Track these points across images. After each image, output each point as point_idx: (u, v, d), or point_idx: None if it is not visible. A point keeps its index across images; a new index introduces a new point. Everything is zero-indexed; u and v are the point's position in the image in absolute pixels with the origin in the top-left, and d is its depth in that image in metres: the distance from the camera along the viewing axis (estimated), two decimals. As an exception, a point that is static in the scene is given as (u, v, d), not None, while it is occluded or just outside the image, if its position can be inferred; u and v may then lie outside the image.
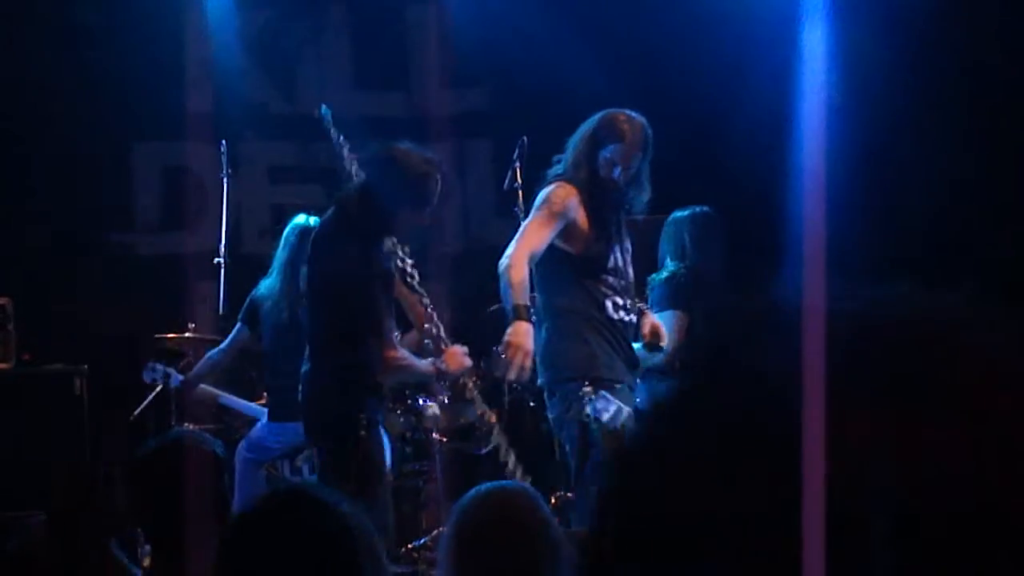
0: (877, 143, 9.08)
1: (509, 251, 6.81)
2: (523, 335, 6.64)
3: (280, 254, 8.34)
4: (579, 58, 9.96)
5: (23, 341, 9.10)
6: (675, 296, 7.96)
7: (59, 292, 9.95)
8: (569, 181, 6.92)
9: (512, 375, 6.74)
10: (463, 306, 9.32)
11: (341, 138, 7.91)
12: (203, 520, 3.88)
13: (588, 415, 6.51)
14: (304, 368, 6.78)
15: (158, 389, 8.70)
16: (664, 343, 7.09)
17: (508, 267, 6.76)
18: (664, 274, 8.10)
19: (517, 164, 8.20)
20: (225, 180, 9.11)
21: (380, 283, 6.59)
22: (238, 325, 8.38)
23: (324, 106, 8.11)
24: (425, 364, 6.80)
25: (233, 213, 9.32)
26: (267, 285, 8.33)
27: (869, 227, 8.76)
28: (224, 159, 9.11)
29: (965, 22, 9.28)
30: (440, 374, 6.91)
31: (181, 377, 8.62)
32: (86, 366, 9.01)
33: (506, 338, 6.66)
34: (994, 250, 9.01)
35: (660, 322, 7.16)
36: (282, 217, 9.18)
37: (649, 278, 7.96)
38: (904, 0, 8.88)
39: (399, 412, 8.37)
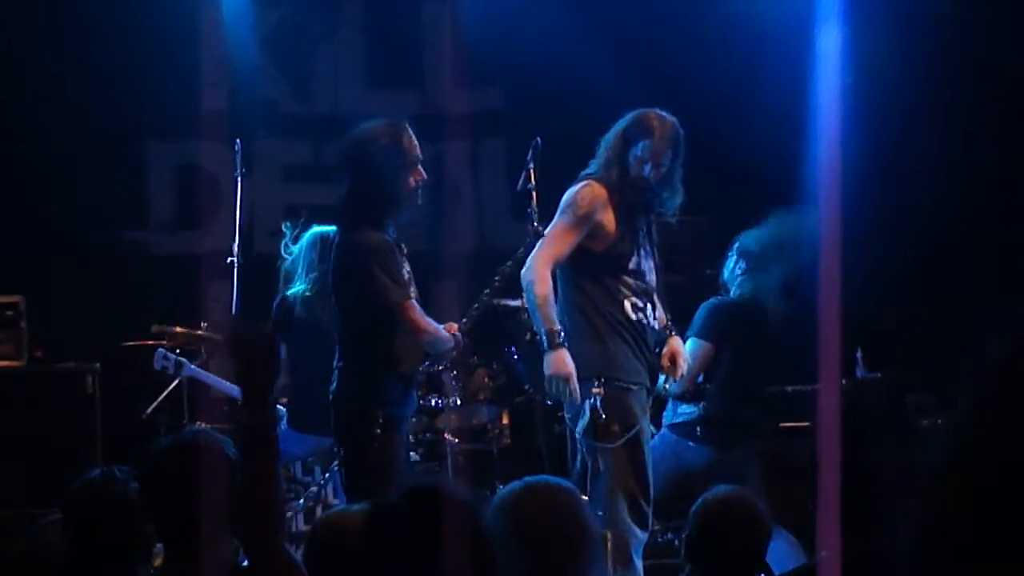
0: (891, 143, 9.07)
1: (533, 260, 6.81)
2: (560, 364, 6.66)
3: (303, 261, 8.38)
4: (594, 58, 9.95)
5: (35, 339, 9.11)
6: (707, 327, 7.95)
7: (71, 290, 9.95)
8: (600, 180, 6.92)
9: (566, 403, 6.75)
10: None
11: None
12: (216, 520, 3.87)
13: (591, 412, 6.53)
14: (336, 365, 6.81)
15: (171, 387, 8.69)
16: (679, 373, 7.06)
17: (533, 281, 6.77)
18: (716, 300, 8.11)
19: (531, 165, 8.15)
20: (239, 179, 9.09)
21: (385, 253, 6.59)
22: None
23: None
24: (443, 331, 6.81)
25: (247, 212, 9.30)
26: (295, 290, 8.35)
27: (884, 226, 8.75)
28: (238, 158, 9.08)
29: (978, 21, 9.26)
30: (456, 341, 6.91)
31: (193, 366, 8.61)
32: (98, 364, 9.01)
33: (547, 372, 6.69)
34: (1010, 250, 8.99)
35: (681, 349, 7.10)
36: (296, 217, 9.17)
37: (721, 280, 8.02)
38: (915, 4, 8.86)
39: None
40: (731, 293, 8.29)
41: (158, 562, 4.39)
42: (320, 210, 9.11)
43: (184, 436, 4.40)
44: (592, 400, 6.62)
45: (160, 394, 8.73)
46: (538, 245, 6.84)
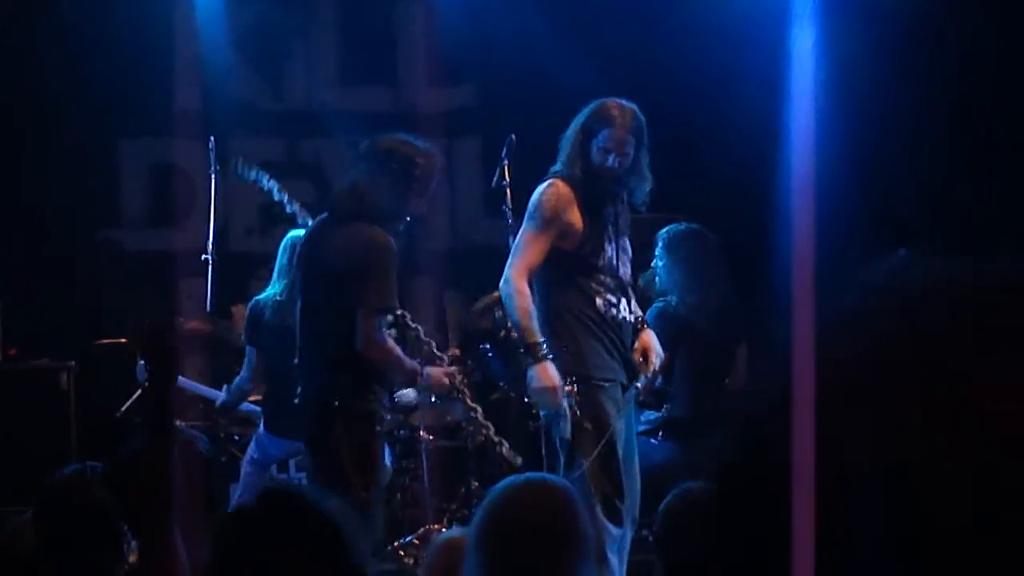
0: (867, 146, 9.09)
1: (509, 271, 6.79)
2: (546, 377, 6.63)
3: (278, 263, 8.39)
4: (567, 56, 9.96)
5: (9, 337, 9.09)
6: (661, 336, 7.93)
7: (46, 288, 9.94)
8: (564, 178, 6.85)
9: (553, 412, 6.75)
10: (450, 302, 9.33)
11: (267, 178, 8.37)
12: (190, 517, 3.87)
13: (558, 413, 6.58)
14: (298, 364, 6.80)
15: (145, 385, 8.68)
16: (650, 368, 7.03)
17: (511, 295, 6.75)
18: (660, 304, 8.08)
19: (505, 162, 8.17)
20: (213, 177, 9.09)
21: (396, 258, 6.61)
22: (248, 349, 8.38)
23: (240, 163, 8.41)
24: (410, 363, 6.80)
25: (221, 210, 9.29)
26: (266, 295, 8.35)
27: (859, 228, 8.77)
28: (212, 156, 9.08)
29: (956, 18, 9.29)
30: (420, 381, 6.92)
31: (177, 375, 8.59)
32: (73, 362, 9.00)
33: (533, 385, 6.67)
34: (985, 253, 9.00)
35: (653, 343, 7.08)
36: (270, 214, 9.17)
37: (641, 278, 7.95)
38: (892, 2, 8.88)
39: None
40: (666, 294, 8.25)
41: (133, 558, 4.39)
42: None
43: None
44: (568, 399, 6.63)
45: (135, 392, 8.73)
46: (511, 257, 6.82)
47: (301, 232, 8.37)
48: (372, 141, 6.98)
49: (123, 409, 8.71)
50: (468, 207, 11.02)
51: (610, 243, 6.90)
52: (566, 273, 6.84)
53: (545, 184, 6.89)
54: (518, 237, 6.87)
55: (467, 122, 10.93)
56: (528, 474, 3.92)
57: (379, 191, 6.69)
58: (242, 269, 8.78)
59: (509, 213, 7.91)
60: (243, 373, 8.44)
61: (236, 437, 8.85)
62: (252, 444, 8.38)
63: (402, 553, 7.93)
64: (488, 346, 8.50)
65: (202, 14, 10.42)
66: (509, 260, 6.82)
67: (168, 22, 10.27)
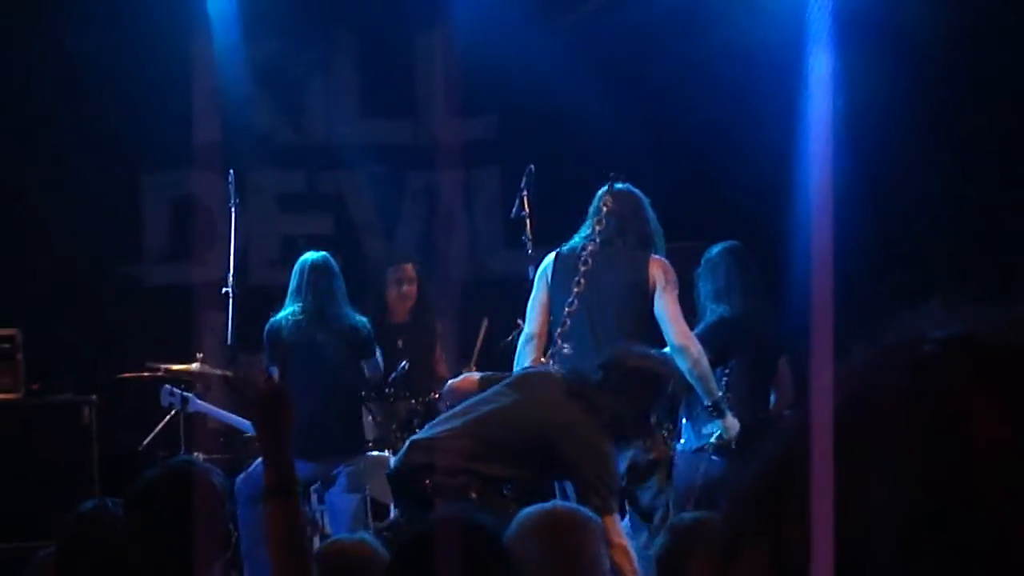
0: (884, 168, 9.08)
1: (689, 333, 7.23)
2: (735, 423, 7.39)
3: (292, 284, 8.41)
4: (586, 86, 9.98)
5: (32, 371, 9.11)
6: (701, 339, 7.91)
7: (68, 323, 9.96)
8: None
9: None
10: (471, 332, 9.32)
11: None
12: (206, 550, 3.87)
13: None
14: None
15: (168, 418, 8.68)
16: None
17: (702, 353, 7.19)
18: (712, 318, 8.06)
19: (524, 192, 8.19)
20: (233, 210, 9.11)
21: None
22: (270, 370, 8.36)
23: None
24: None
25: (241, 243, 9.32)
26: (283, 315, 8.35)
27: (876, 250, 8.76)
28: (232, 188, 9.11)
29: (971, 44, 9.29)
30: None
31: (199, 401, 8.59)
32: (94, 396, 9.01)
33: (732, 434, 7.40)
34: (1003, 271, 8.99)
35: None
36: (291, 247, 9.20)
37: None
38: (907, 25, 8.88)
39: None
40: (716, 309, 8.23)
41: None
42: (314, 239, 9.16)
43: (174, 465, 4.40)
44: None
45: (157, 425, 8.74)
46: (673, 319, 7.13)
47: (314, 255, 8.41)
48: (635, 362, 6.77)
49: (145, 443, 8.72)
50: (487, 237, 11.03)
51: None
52: None
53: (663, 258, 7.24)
54: (670, 304, 7.13)
55: (486, 153, 10.95)
56: (555, 502, 3.93)
57: (623, 411, 6.62)
58: (263, 302, 8.78)
59: (529, 243, 7.92)
60: None
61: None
62: (244, 481, 8.29)
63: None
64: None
65: (221, 47, 10.46)
66: (674, 327, 7.11)
67: (187, 56, 10.31)
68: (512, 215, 8.36)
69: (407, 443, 6.62)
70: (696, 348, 7.10)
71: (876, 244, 8.82)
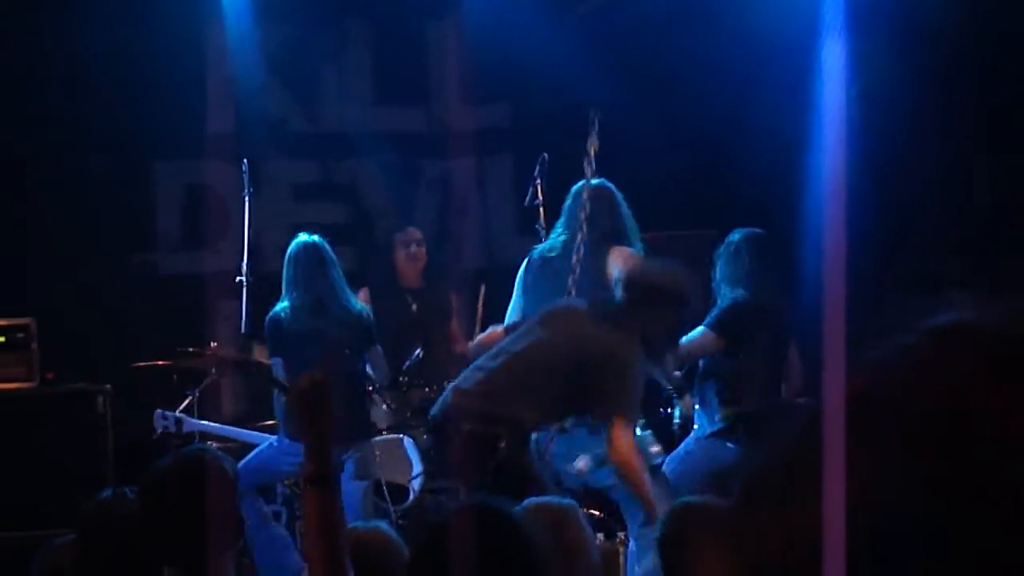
0: (896, 156, 9.07)
1: None
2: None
3: (286, 274, 8.40)
4: (599, 74, 9.97)
5: (46, 360, 9.13)
6: (718, 319, 7.89)
7: (82, 312, 9.97)
8: None
9: None
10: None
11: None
12: (219, 537, 3.88)
13: None
14: None
15: (183, 407, 8.70)
16: None
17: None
18: (725, 302, 8.06)
19: (538, 180, 8.20)
20: (247, 198, 9.13)
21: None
22: (273, 361, 8.38)
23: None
24: None
25: (255, 231, 9.33)
26: (281, 306, 8.36)
27: (888, 240, 8.75)
28: (245, 177, 9.12)
29: (983, 33, 9.27)
30: None
31: (193, 419, 8.61)
32: (109, 385, 9.03)
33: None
34: (1016, 262, 8.98)
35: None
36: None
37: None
38: (921, 13, 8.86)
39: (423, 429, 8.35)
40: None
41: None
42: (329, 229, 9.16)
43: (187, 453, 4.42)
44: None
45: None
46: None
47: (305, 239, 8.40)
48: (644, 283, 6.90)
49: (159, 432, 8.73)
50: (500, 225, 11.03)
51: None
52: None
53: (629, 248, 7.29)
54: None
55: (499, 140, 10.95)
56: (531, 499, 3.93)
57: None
58: (276, 290, 8.79)
59: (542, 231, 7.93)
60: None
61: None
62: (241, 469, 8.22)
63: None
64: None
65: (234, 36, 10.46)
66: None
67: (199, 45, 10.31)
68: (525, 203, 8.37)
69: (448, 388, 6.77)
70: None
71: (888, 234, 8.81)
